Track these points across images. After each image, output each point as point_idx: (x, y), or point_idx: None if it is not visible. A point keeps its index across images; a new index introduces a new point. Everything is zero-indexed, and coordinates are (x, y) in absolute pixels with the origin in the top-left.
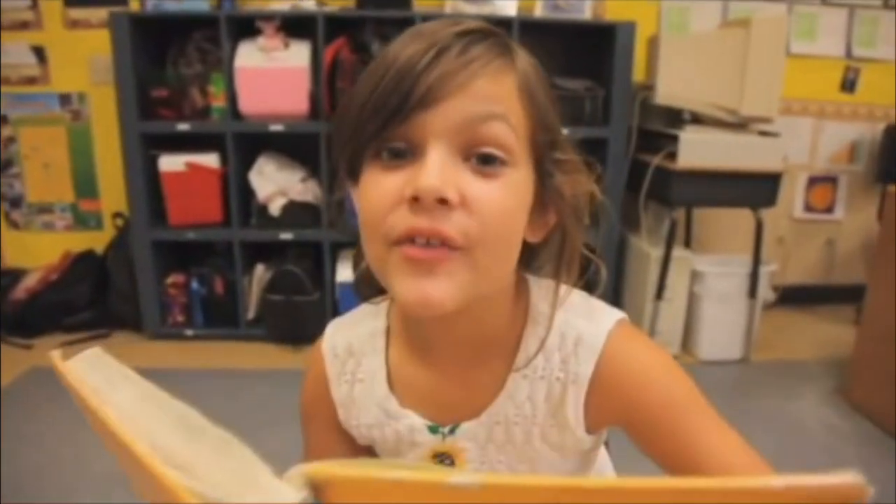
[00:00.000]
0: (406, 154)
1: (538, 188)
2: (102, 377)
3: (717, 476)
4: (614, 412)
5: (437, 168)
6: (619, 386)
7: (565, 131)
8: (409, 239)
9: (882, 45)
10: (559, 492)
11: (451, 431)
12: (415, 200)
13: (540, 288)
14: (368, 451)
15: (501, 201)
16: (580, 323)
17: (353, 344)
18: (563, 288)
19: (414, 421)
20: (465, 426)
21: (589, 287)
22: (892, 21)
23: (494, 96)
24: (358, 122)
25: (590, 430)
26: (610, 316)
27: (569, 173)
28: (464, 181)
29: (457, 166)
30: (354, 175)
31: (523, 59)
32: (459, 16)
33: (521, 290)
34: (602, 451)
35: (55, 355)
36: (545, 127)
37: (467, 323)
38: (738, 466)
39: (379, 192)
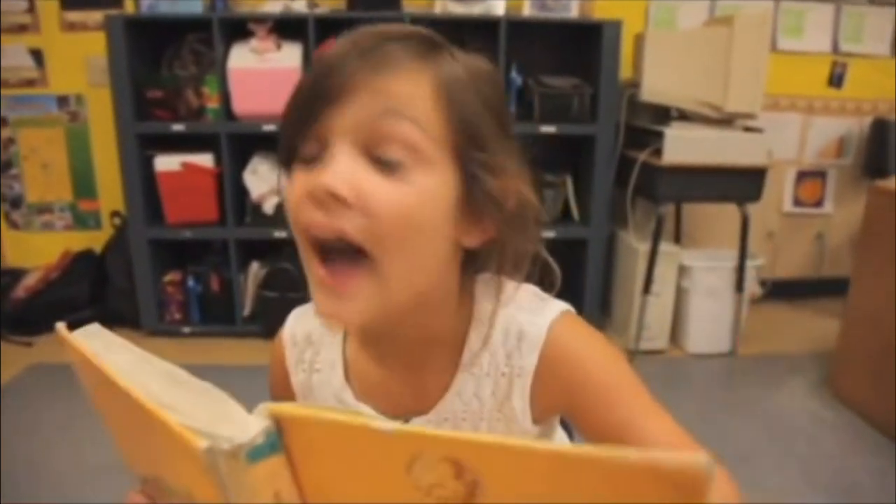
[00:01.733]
0: (318, 156)
1: (466, 193)
2: (101, 344)
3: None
4: (557, 399)
5: (335, 165)
6: (561, 373)
7: (552, 129)
8: (320, 247)
9: (869, 40)
10: (459, 444)
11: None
12: (311, 196)
13: (487, 286)
14: None
15: (400, 200)
16: (523, 317)
17: (313, 333)
18: (511, 285)
19: (367, 413)
20: (416, 420)
21: (544, 288)
22: (878, 16)
23: (401, 95)
24: (283, 125)
25: (536, 419)
26: (553, 308)
27: (500, 178)
28: (362, 179)
29: (360, 164)
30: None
31: (454, 64)
32: (447, 18)
33: (466, 291)
34: (561, 434)
35: (60, 326)
36: (468, 130)
37: (410, 325)
38: (669, 447)
39: (292, 191)
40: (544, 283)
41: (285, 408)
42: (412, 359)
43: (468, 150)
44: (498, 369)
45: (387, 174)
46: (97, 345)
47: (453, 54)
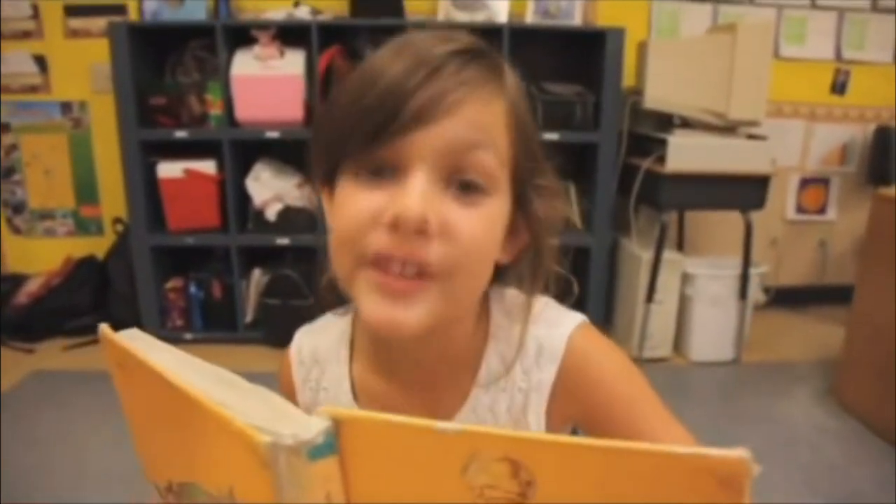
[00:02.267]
0: (387, 173)
1: (514, 212)
2: (145, 345)
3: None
4: (573, 412)
5: (420, 193)
6: (579, 387)
7: (555, 136)
8: (383, 261)
9: (872, 47)
10: (518, 442)
11: None
12: (393, 225)
13: (501, 301)
14: None
15: (482, 231)
16: (541, 331)
17: (319, 351)
18: (525, 297)
19: None
20: None
21: (559, 298)
22: (881, 23)
23: (484, 123)
24: (340, 134)
25: (551, 432)
26: (570, 320)
27: (547, 198)
28: (445, 208)
29: (438, 191)
30: (331, 185)
31: (512, 80)
32: (450, 25)
33: (483, 306)
34: None
35: (104, 327)
36: (529, 154)
37: (432, 343)
38: None
39: (356, 208)
40: (557, 292)
41: (346, 410)
42: (426, 378)
43: (527, 173)
44: (515, 385)
45: (463, 201)
46: (140, 346)
47: (505, 67)
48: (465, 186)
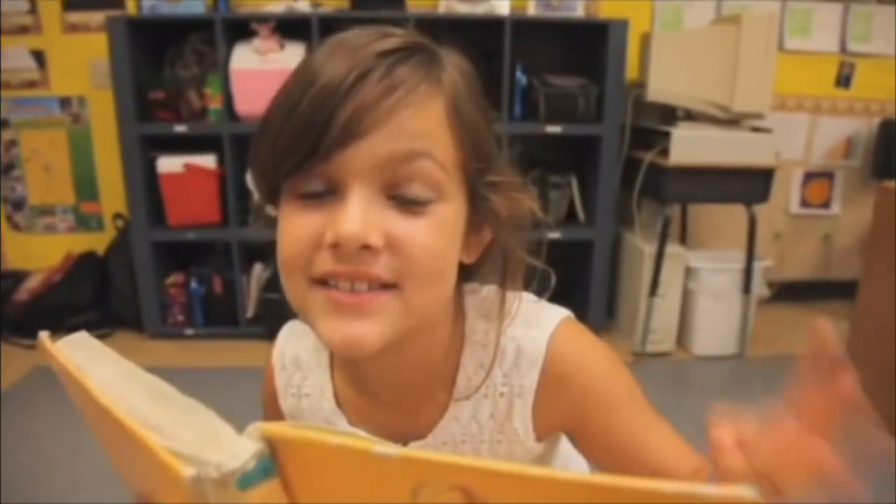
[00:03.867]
0: (325, 193)
1: (471, 212)
2: (85, 355)
3: (655, 472)
4: (560, 415)
5: (359, 212)
6: (563, 390)
7: (558, 129)
8: (332, 282)
9: (877, 39)
10: (470, 472)
11: None
12: (335, 246)
13: (476, 304)
14: None
15: (430, 240)
16: (519, 333)
17: (301, 356)
18: (510, 299)
19: (365, 437)
20: (414, 445)
21: (538, 291)
22: (886, 16)
23: (419, 130)
24: (273, 153)
25: (539, 437)
26: (551, 318)
27: (505, 194)
28: (388, 222)
29: (380, 205)
30: (273, 202)
31: (451, 72)
32: (452, 18)
33: (457, 310)
34: (570, 449)
35: (43, 336)
36: (477, 151)
37: (403, 357)
38: (675, 462)
39: (298, 231)
40: (537, 285)
41: (279, 429)
42: (402, 394)
43: (476, 171)
44: (496, 390)
45: (408, 213)
46: (80, 355)
47: (445, 60)
48: (407, 199)
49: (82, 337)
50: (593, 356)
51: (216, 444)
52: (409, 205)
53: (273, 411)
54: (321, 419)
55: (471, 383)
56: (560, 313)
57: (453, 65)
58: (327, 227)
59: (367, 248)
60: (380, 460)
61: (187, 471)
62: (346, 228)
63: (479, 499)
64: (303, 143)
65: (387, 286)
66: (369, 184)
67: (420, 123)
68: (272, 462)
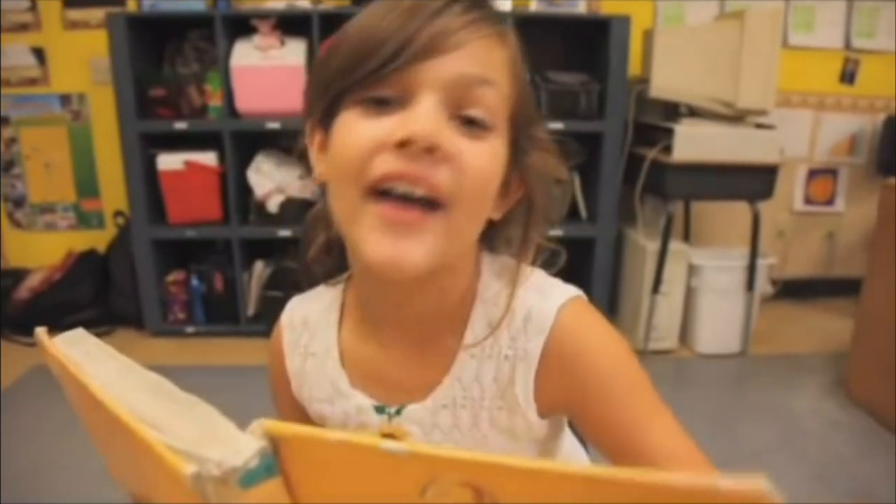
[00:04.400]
0: (393, 103)
1: (508, 165)
2: (83, 352)
3: (653, 461)
4: (561, 391)
5: (431, 115)
6: (567, 364)
7: (560, 125)
8: (388, 187)
9: (882, 36)
10: (479, 467)
11: (398, 412)
12: (403, 145)
13: (492, 264)
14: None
15: (486, 162)
16: (531, 298)
17: (309, 317)
18: (521, 266)
19: (361, 401)
20: (411, 408)
21: (546, 266)
22: (891, 11)
23: (490, 62)
24: (344, 70)
25: (541, 412)
26: (563, 293)
27: (541, 151)
28: (454, 136)
29: (446, 120)
30: (325, 128)
31: (513, 39)
32: None
33: (475, 267)
34: (574, 442)
35: (41, 332)
36: (525, 106)
37: (424, 295)
38: (675, 452)
39: (360, 135)
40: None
41: (283, 427)
42: (413, 336)
43: (523, 122)
44: (501, 351)
45: (469, 134)
46: (78, 352)
47: (507, 23)
48: (469, 120)
49: (80, 334)
50: (598, 333)
51: (217, 440)
52: (471, 126)
53: (280, 381)
54: (324, 379)
55: (478, 337)
56: (572, 291)
57: (513, 35)
58: (395, 130)
59: (434, 150)
60: (387, 457)
61: (188, 468)
62: (420, 126)
63: (488, 496)
64: (387, 49)
65: (435, 207)
66: (439, 98)
67: (490, 57)
68: (275, 460)
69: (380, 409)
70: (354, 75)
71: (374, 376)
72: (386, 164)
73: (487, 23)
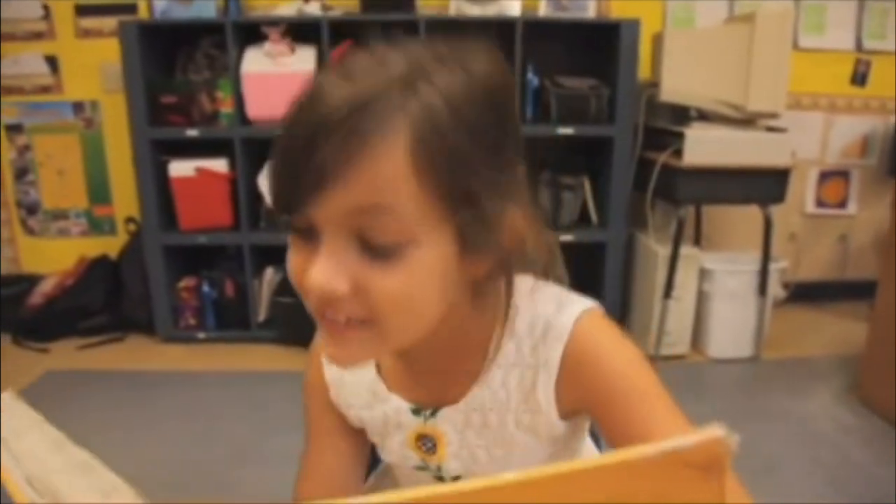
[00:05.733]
0: (311, 234)
1: (463, 241)
2: (16, 420)
3: None
4: (581, 396)
5: (325, 264)
6: (585, 372)
7: (570, 130)
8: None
9: (893, 37)
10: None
11: (433, 414)
12: (311, 292)
13: (518, 282)
14: (360, 433)
15: (397, 288)
16: (549, 310)
17: None
18: (537, 282)
19: (399, 404)
20: (445, 410)
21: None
22: None
23: (379, 181)
24: (272, 188)
25: (563, 415)
26: (579, 304)
27: (494, 227)
28: (357, 268)
29: (353, 251)
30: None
31: (430, 99)
32: (461, 20)
33: (493, 291)
34: (589, 443)
35: None
36: (454, 183)
37: (439, 341)
38: None
39: (292, 266)
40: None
41: None
42: (440, 362)
43: (457, 207)
44: (524, 360)
45: (381, 261)
46: (11, 421)
47: (425, 88)
48: (376, 248)
49: (10, 400)
50: (614, 343)
51: None
52: (377, 252)
53: (316, 387)
54: (362, 386)
55: (503, 355)
56: (589, 302)
57: (444, 86)
58: (302, 276)
59: (331, 300)
60: None
61: None
62: (311, 280)
63: None
64: (285, 189)
65: (364, 321)
66: (341, 231)
67: (378, 173)
68: None
69: (416, 411)
70: (277, 208)
71: (409, 383)
72: (310, 299)
73: (375, 122)
